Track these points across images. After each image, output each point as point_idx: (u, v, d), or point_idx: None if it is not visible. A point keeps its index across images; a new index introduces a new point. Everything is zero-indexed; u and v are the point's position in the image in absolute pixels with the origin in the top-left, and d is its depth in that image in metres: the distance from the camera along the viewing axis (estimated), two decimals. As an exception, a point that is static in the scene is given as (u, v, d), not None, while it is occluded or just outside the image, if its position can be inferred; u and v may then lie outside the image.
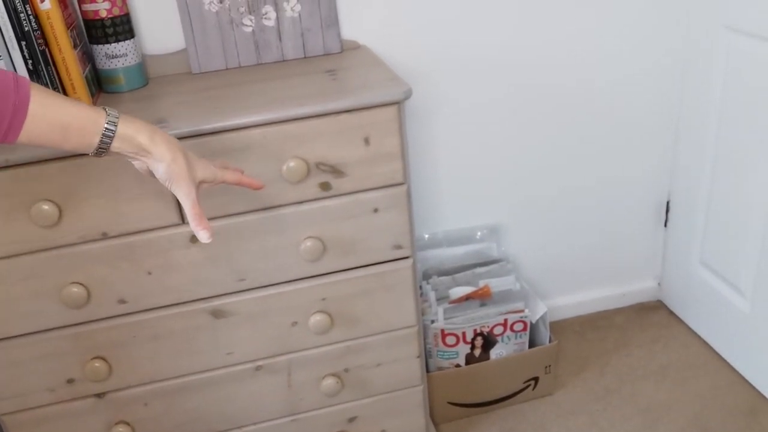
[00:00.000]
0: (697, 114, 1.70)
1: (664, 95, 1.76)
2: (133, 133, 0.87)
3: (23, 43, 1.11)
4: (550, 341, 1.65)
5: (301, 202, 1.20)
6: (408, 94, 1.17)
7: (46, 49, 1.15)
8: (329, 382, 1.36)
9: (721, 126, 1.63)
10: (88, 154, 0.87)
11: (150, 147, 0.88)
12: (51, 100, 0.82)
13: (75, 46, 1.21)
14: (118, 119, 0.86)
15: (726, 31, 1.55)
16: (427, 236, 1.76)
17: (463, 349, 1.61)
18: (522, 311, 1.60)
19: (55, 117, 0.81)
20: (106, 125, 0.85)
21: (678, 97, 1.76)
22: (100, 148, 0.86)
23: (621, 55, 1.68)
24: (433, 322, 1.58)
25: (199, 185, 0.95)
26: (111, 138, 0.85)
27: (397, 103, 1.17)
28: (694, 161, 1.75)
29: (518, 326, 1.61)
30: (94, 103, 1.25)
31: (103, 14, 1.25)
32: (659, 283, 2.02)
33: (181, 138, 1.10)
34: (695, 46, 1.66)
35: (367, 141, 1.18)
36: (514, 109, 1.68)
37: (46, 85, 1.15)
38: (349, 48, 1.48)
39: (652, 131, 1.80)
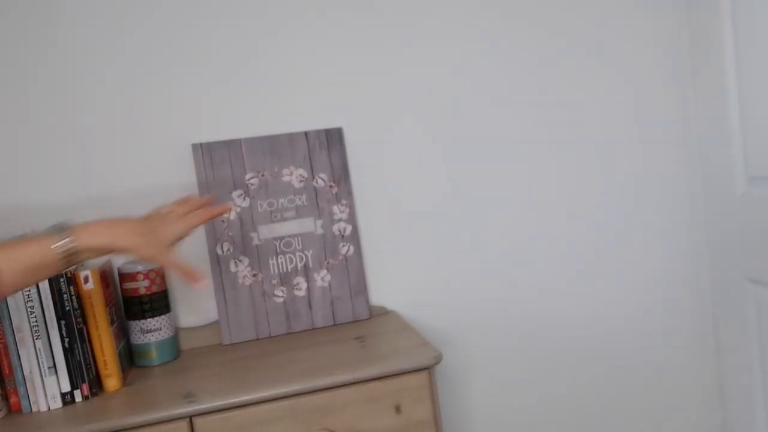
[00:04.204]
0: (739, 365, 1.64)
1: (699, 352, 1.72)
2: (90, 242, 0.93)
3: (62, 322, 1.15)
4: None
5: (330, 479, 1.13)
6: (438, 359, 1.16)
7: (84, 327, 1.18)
8: None
9: (766, 380, 1.56)
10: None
11: (113, 245, 0.94)
12: (8, 256, 0.88)
13: (112, 323, 1.24)
14: (69, 237, 0.91)
15: (752, 284, 1.56)
16: None
17: None
18: None
19: (19, 267, 0.88)
20: (62, 249, 0.91)
21: (714, 352, 1.72)
22: (68, 267, 0.93)
23: (651, 319, 1.69)
24: None
25: (173, 245, 1.01)
26: (74, 255, 0.91)
27: (428, 369, 1.15)
28: None
29: None
30: (124, 379, 1.25)
31: (142, 291, 1.31)
32: None
33: (208, 413, 1.08)
34: (722, 299, 1.67)
35: (398, 409, 1.14)
36: (549, 369, 1.64)
37: (79, 361, 1.17)
38: (378, 314, 1.50)
39: (693, 392, 1.73)
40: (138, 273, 1.31)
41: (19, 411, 1.16)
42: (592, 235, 1.64)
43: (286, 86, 1.47)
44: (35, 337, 1.14)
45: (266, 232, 1.43)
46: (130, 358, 1.35)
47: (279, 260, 1.44)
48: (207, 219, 1.08)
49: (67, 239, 0.91)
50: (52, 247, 0.90)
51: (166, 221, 1.03)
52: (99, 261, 1.38)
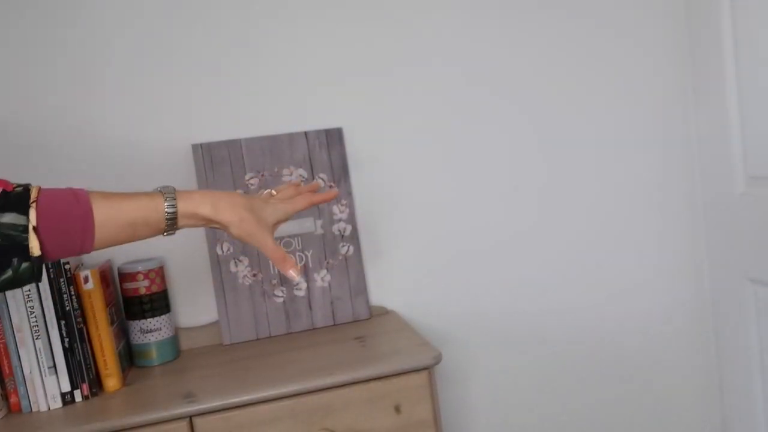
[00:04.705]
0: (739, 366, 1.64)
1: (699, 352, 1.72)
2: (194, 209, 0.90)
3: (63, 322, 1.15)
4: None
5: (329, 479, 1.13)
6: (438, 359, 1.16)
7: (84, 327, 1.18)
8: None
9: (765, 378, 1.56)
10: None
11: (214, 216, 0.91)
12: (111, 204, 0.85)
13: (112, 323, 1.24)
14: (176, 200, 0.89)
15: (752, 284, 1.56)
16: None
17: None
18: None
19: (120, 219, 0.85)
20: (166, 210, 0.88)
21: (714, 352, 1.72)
22: (167, 231, 0.90)
23: (651, 319, 1.69)
24: None
25: (273, 227, 0.98)
26: (174, 219, 0.89)
27: (428, 369, 1.15)
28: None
29: None
30: (124, 379, 1.25)
31: (142, 291, 1.31)
32: None
33: (208, 413, 1.08)
34: (722, 299, 1.66)
35: (397, 409, 1.14)
36: (549, 369, 1.64)
37: (79, 361, 1.17)
38: (378, 314, 1.50)
39: (693, 392, 1.73)
40: (138, 273, 1.31)
41: (19, 411, 1.16)
42: (592, 235, 1.64)
43: (286, 86, 1.47)
44: (35, 337, 1.14)
45: (266, 232, 1.43)
46: (130, 358, 1.35)
47: (279, 260, 1.43)
48: (310, 204, 1.04)
49: (173, 202, 0.89)
50: (159, 207, 0.88)
51: (269, 202, 0.99)
52: (99, 261, 1.38)
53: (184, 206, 0.90)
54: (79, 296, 1.18)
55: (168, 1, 1.40)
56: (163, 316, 1.33)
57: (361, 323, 1.45)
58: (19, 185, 0.81)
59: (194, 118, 1.43)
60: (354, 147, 1.51)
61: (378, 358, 1.18)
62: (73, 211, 0.81)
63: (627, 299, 1.67)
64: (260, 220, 0.95)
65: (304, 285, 1.45)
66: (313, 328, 1.45)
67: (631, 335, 1.68)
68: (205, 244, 1.44)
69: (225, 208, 0.92)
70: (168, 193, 0.90)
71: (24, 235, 0.78)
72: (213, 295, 1.45)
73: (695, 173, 1.68)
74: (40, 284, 1.13)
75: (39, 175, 1.38)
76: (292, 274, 0.97)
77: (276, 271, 1.43)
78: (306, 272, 1.45)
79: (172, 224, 0.89)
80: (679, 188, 1.68)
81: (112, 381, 1.20)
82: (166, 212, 0.88)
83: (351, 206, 1.47)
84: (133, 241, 0.88)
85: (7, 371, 1.15)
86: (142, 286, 1.31)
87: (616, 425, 1.69)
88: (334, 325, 1.46)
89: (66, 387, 1.16)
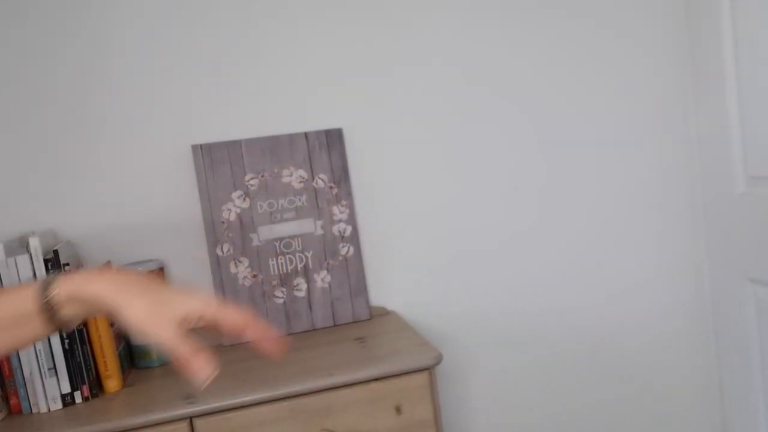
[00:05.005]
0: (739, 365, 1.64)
1: (699, 352, 1.72)
2: (75, 292, 0.71)
3: (63, 323, 1.15)
4: None
5: (330, 480, 1.13)
6: (438, 360, 1.16)
7: (84, 328, 1.18)
8: None
9: (765, 378, 1.56)
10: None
11: (98, 298, 0.71)
12: None
13: (112, 324, 1.24)
14: (51, 285, 0.71)
15: (752, 284, 1.56)
16: None
17: None
18: None
19: None
20: (43, 299, 0.71)
21: (714, 352, 1.72)
22: (53, 324, 0.72)
23: (651, 319, 1.69)
24: None
25: (184, 322, 0.72)
26: (56, 307, 0.71)
27: (428, 369, 1.15)
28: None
29: None
30: (125, 381, 1.25)
31: (142, 292, 1.31)
32: None
33: (209, 414, 1.08)
34: (722, 300, 1.67)
35: (398, 410, 1.14)
36: (549, 369, 1.64)
37: (79, 363, 1.17)
38: (378, 314, 1.50)
39: (693, 392, 1.73)
40: (138, 274, 1.30)
41: (20, 412, 1.16)
42: (592, 235, 1.64)
43: (286, 87, 1.47)
44: (35, 339, 1.14)
45: (266, 233, 1.43)
46: (131, 359, 1.35)
47: (279, 261, 1.44)
48: (234, 321, 0.75)
49: (49, 287, 0.71)
50: (32, 295, 0.71)
51: (184, 293, 0.75)
52: (99, 262, 1.38)
53: (62, 290, 0.71)
54: (79, 297, 1.18)
55: (168, 1, 1.40)
56: (163, 317, 1.33)
57: (362, 324, 1.45)
58: None
59: (194, 118, 1.43)
60: (354, 147, 1.50)
61: (378, 359, 1.18)
62: None
63: (627, 299, 1.68)
64: (159, 307, 0.71)
65: (304, 286, 1.45)
66: (314, 329, 1.45)
67: (631, 335, 1.69)
68: (205, 245, 1.44)
69: (109, 287, 0.71)
70: (45, 279, 0.73)
71: None
72: (213, 296, 1.45)
73: (695, 173, 1.68)
74: (40, 285, 1.13)
75: (38, 175, 1.37)
76: (201, 378, 0.68)
77: (276, 272, 1.43)
78: (306, 273, 1.45)
79: (52, 314, 0.71)
80: (679, 188, 1.68)
81: (112, 382, 1.20)
82: (41, 303, 0.71)
83: (351, 207, 1.47)
84: (23, 344, 0.73)
85: (8, 373, 1.15)
86: (142, 286, 1.31)
87: (616, 425, 1.70)
88: (335, 325, 1.46)
89: (66, 388, 1.16)
